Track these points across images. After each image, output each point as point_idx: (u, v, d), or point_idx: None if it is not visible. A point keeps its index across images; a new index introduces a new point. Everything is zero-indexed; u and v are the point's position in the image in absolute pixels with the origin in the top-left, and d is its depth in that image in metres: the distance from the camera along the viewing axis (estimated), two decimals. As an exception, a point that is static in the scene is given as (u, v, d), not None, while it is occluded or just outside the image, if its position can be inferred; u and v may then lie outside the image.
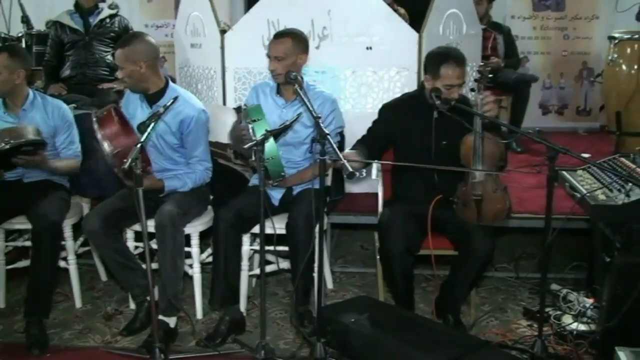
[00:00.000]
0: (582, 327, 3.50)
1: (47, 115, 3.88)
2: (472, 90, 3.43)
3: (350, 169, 2.92)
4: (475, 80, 3.41)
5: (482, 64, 3.51)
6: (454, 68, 3.45)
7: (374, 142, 3.68)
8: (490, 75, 3.40)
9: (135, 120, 3.60)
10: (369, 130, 3.75)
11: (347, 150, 3.62)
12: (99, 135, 3.38)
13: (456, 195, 3.50)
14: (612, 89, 5.56)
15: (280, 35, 3.71)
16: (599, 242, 3.55)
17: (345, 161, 2.96)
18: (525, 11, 6.89)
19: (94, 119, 3.41)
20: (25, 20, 5.83)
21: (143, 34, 3.83)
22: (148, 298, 3.72)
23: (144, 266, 3.84)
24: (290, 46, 3.64)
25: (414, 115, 3.63)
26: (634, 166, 3.48)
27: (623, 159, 3.64)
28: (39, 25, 5.91)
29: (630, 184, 3.27)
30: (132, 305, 3.95)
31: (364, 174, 4.50)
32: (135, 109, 3.76)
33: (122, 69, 3.66)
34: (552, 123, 6.82)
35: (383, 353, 3.12)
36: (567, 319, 3.60)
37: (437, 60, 3.51)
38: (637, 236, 3.18)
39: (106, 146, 3.35)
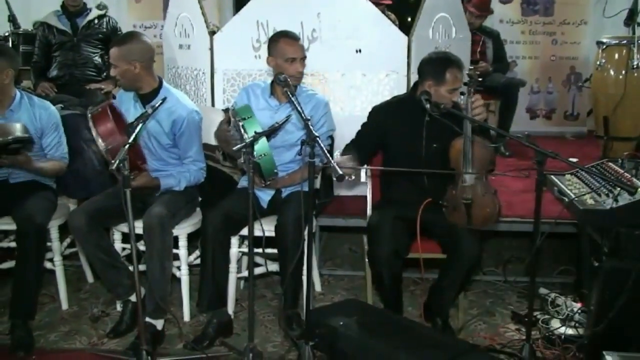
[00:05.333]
0: (570, 332, 3.51)
1: (34, 116, 3.83)
2: (462, 93, 3.44)
3: (340, 172, 2.91)
4: (465, 84, 3.42)
5: (471, 67, 3.52)
6: (457, 72, 3.48)
7: (363, 145, 3.68)
8: (480, 79, 3.41)
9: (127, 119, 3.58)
10: (358, 133, 3.75)
11: (337, 154, 3.61)
12: (93, 132, 3.36)
13: (445, 198, 3.50)
14: (600, 94, 5.59)
15: (297, 38, 3.71)
16: (587, 246, 3.57)
17: (335, 164, 2.95)
18: (513, 16, 6.92)
19: (89, 116, 3.38)
20: (12, 19, 5.78)
21: (139, 33, 3.82)
22: (132, 298, 3.70)
23: (130, 268, 3.82)
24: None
25: (404, 118, 3.63)
26: (621, 171, 3.49)
27: (611, 164, 3.65)
28: (25, 25, 5.87)
29: (618, 189, 3.28)
30: (119, 307, 3.92)
31: (353, 177, 4.49)
32: (128, 109, 3.74)
33: (116, 67, 3.65)
34: (540, 127, 6.86)
35: (371, 356, 3.11)
36: (555, 323, 3.61)
37: (441, 65, 3.51)
38: (625, 241, 3.18)
39: (100, 143, 3.33)
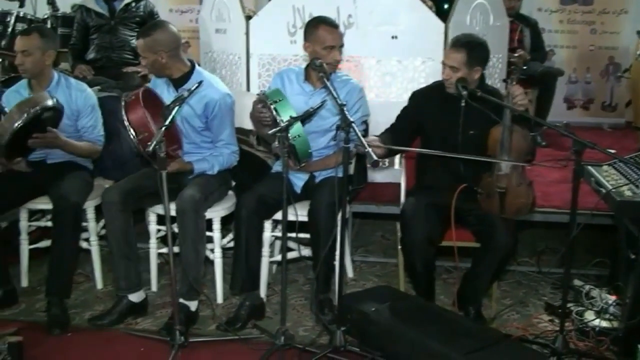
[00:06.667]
0: (605, 324, 3.46)
1: (71, 98, 3.88)
2: (504, 81, 3.39)
3: (375, 157, 2.91)
4: (508, 72, 3.38)
5: (515, 55, 3.46)
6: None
7: (402, 129, 3.65)
8: (525, 67, 3.36)
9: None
10: (398, 117, 3.73)
11: (370, 136, 3.58)
12: (125, 121, 3.38)
13: (481, 185, 3.47)
14: (640, 84, 5.49)
15: (336, 25, 3.69)
16: (623, 238, 3.52)
17: (369, 149, 2.95)
18: (552, 4, 6.82)
19: (122, 104, 3.41)
20: (51, 1, 5.84)
21: (163, 22, 3.83)
22: (132, 298, 3.69)
23: (164, 250, 3.85)
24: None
25: (441, 104, 3.61)
26: (660, 163, 3.43)
27: (649, 155, 3.59)
28: (64, 8, 5.92)
29: (657, 181, 3.23)
30: (154, 288, 3.99)
31: (387, 164, 4.49)
32: (162, 93, 3.75)
33: (144, 58, 3.68)
34: (577, 118, 6.76)
35: (403, 343, 3.11)
36: (589, 315, 3.57)
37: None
38: (663, 233, 3.14)
39: (132, 130, 3.36)
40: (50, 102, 3.61)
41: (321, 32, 3.61)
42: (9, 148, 3.60)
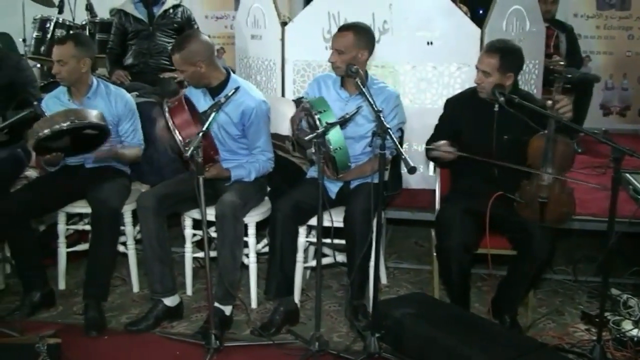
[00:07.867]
0: (643, 334, 3.42)
1: (111, 104, 3.93)
2: (547, 87, 3.35)
3: (412, 164, 2.91)
4: (551, 80, 3.34)
5: (562, 63, 3.43)
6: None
7: (442, 137, 3.63)
8: (569, 76, 3.32)
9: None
10: (437, 127, 3.74)
11: (441, 141, 3.54)
12: (170, 124, 3.41)
13: (518, 193, 3.44)
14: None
15: (343, 29, 3.69)
16: (662, 247, 3.47)
17: (406, 156, 2.95)
18: (588, 9, 6.75)
19: (166, 108, 3.43)
20: (89, 8, 5.93)
21: (195, 32, 3.87)
22: (167, 302, 3.71)
23: (199, 254, 3.87)
24: (351, 40, 3.60)
25: (475, 109, 3.59)
26: (701, 171, 3.38)
27: (690, 163, 3.54)
28: (102, 14, 6.01)
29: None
30: (189, 292, 4.01)
31: (421, 169, 4.48)
32: (198, 102, 3.76)
33: (183, 72, 3.69)
34: (614, 124, 6.67)
35: (438, 350, 3.09)
36: (626, 325, 3.52)
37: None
38: None
39: (177, 135, 3.38)
40: (96, 120, 3.64)
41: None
42: (42, 144, 3.62)
